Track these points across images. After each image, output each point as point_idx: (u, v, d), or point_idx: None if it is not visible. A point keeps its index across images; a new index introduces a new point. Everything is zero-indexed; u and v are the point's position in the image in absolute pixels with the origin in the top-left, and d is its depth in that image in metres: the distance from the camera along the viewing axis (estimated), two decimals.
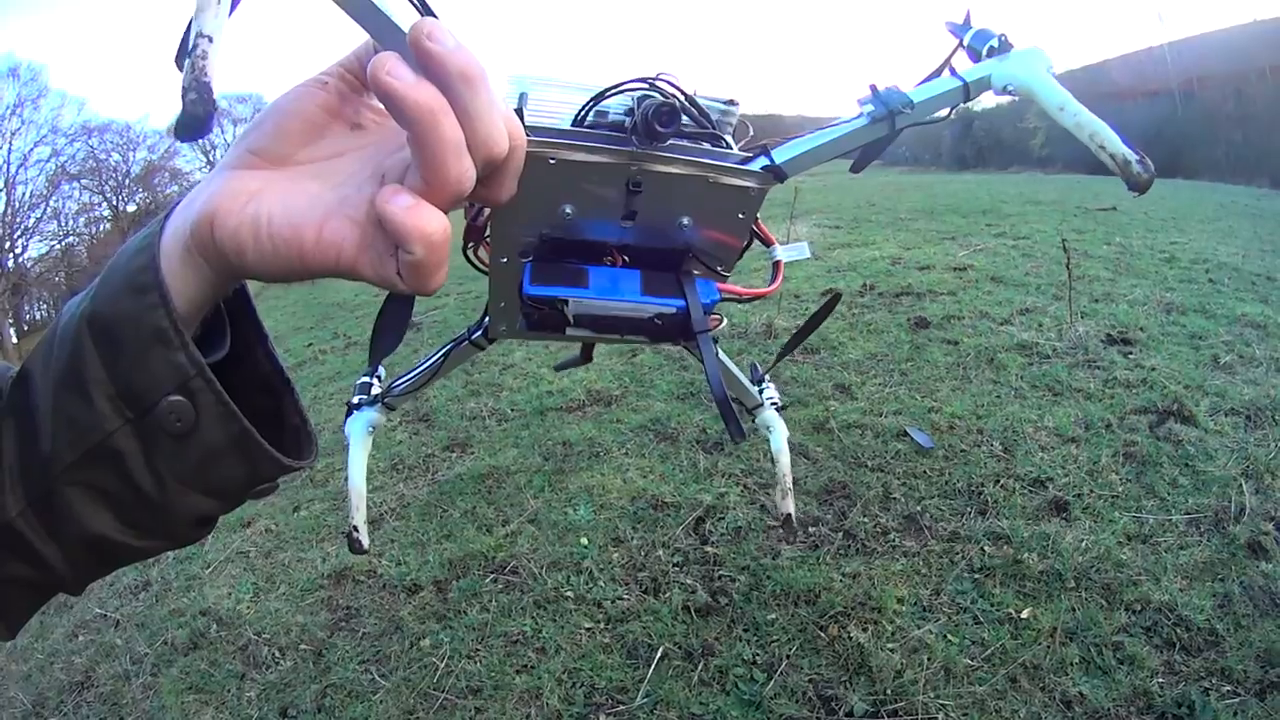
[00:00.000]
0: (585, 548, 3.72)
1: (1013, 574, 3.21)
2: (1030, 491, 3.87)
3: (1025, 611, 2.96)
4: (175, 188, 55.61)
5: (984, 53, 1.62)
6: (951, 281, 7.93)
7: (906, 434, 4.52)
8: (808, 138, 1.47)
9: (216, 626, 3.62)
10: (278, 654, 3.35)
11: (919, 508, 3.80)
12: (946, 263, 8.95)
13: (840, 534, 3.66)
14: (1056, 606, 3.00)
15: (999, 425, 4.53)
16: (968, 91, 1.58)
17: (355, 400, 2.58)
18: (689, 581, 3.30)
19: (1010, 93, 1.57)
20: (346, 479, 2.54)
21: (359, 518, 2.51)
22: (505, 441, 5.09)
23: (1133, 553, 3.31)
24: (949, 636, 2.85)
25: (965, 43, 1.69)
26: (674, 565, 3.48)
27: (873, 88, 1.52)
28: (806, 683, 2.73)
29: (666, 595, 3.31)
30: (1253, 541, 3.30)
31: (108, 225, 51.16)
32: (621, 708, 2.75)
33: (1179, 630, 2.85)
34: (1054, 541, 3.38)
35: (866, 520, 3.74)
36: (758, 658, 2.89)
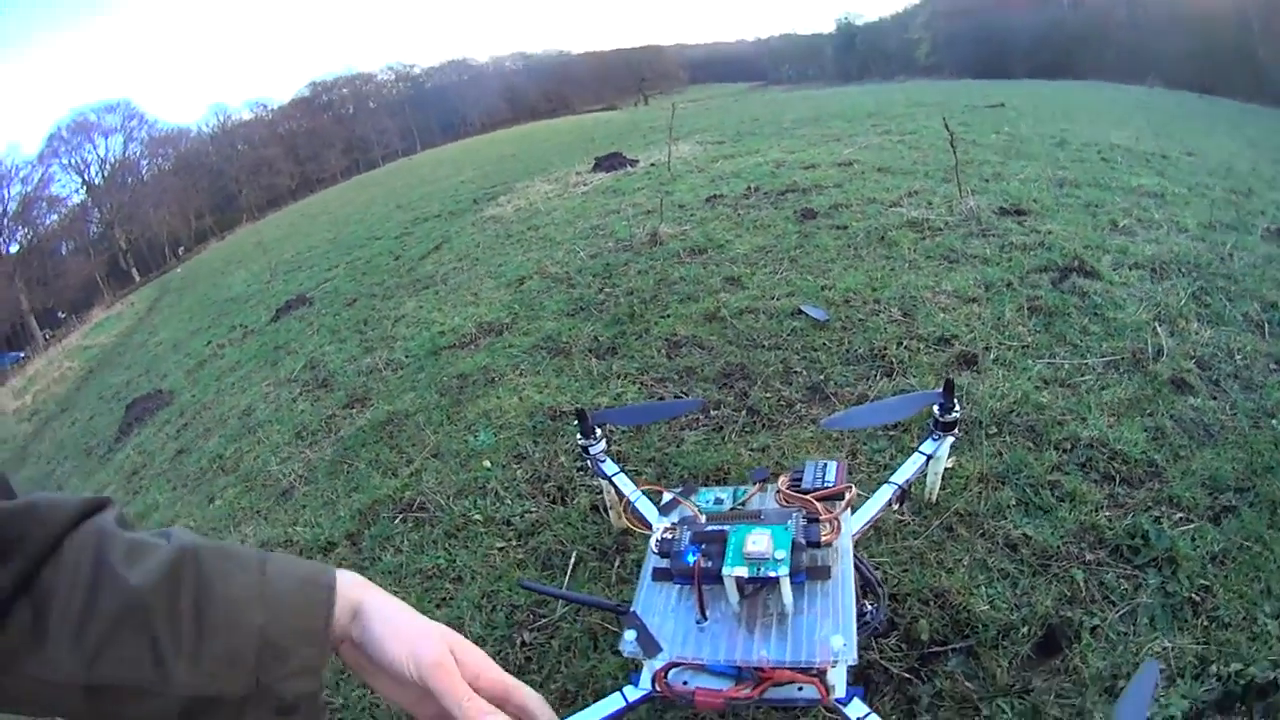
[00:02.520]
0: (489, 470, 3.53)
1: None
2: (936, 349, 3.81)
3: (949, 461, 2.83)
4: (55, 216, 53.77)
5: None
6: (837, 175, 8.00)
7: (800, 311, 4.44)
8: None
9: None
10: None
11: (822, 377, 3.71)
12: (831, 160, 9.05)
13: (744, 412, 3.54)
14: (981, 452, 2.89)
15: (896, 294, 4.49)
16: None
17: None
18: (595, 483, 3.11)
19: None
20: None
21: None
22: (402, 387, 4.89)
23: (1052, 395, 3.24)
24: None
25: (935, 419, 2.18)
26: (578, 470, 3.31)
27: None
28: None
29: (574, 500, 3.15)
30: (1176, 378, 3.29)
31: None
32: (543, 620, 2.56)
33: (1116, 464, 2.78)
34: (968, 392, 3.30)
35: (769, 395, 3.63)
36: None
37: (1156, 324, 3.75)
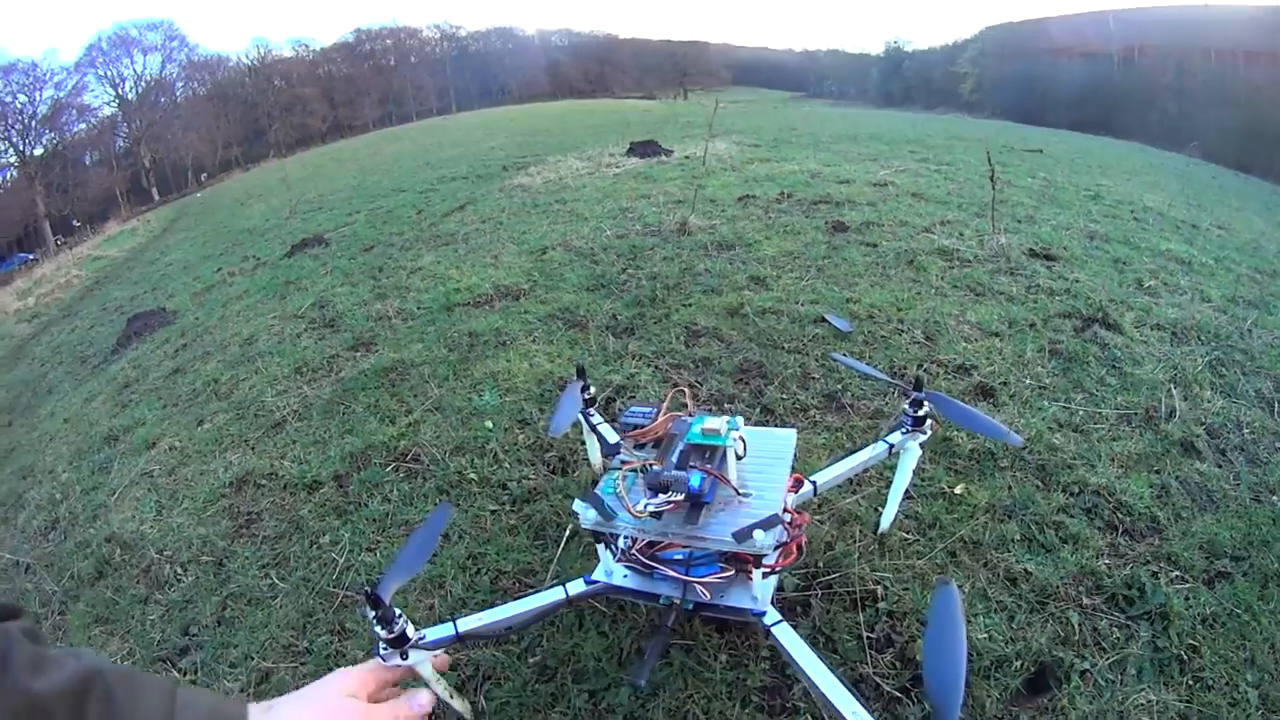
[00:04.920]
0: (490, 431, 3.50)
1: (942, 451, 3.09)
2: (955, 376, 3.79)
3: (959, 488, 2.82)
4: (83, 125, 53.61)
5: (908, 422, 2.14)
6: (871, 194, 7.96)
7: (824, 319, 4.41)
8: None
9: (120, 551, 3.37)
10: (180, 570, 3.11)
11: (839, 387, 3.67)
12: (867, 179, 9.00)
13: (757, 409, 3.52)
14: (991, 484, 2.87)
15: (920, 317, 4.46)
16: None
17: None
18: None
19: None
20: None
21: None
22: (411, 337, 4.86)
23: (1064, 439, 3.22)
24: (880, 509, 2.68)
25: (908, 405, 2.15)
26: (582, 443, 3.24)
27: None
28: None
29: (575, 473, 3.12)
30: (1186, 441, 3.27)
31: (14, 172, 49.40)
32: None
33: (1120, 514, 2.77)
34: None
35: (784, 397, 3.60)
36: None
37: (1172, 385, 3.73)
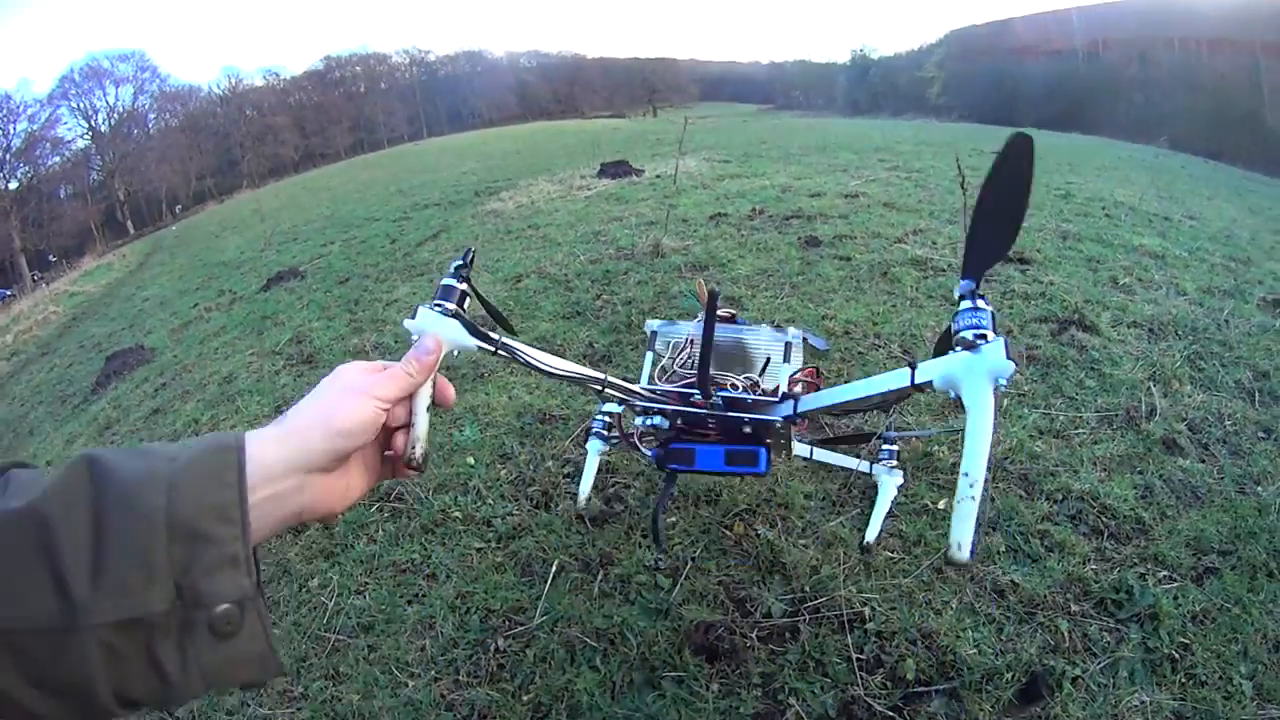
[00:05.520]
0: (472, 467, 3.48)
1: (923, 467, 3.10)
2: (933, 389, 3.76)
3: (941, 503, 2.84)
4: (57, 158, 53.35)
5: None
6: (843, 206, 7.97)
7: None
8: (831, 392, 1.72)
9: None
10: None
11: None
12: (838, 191, 9.02)
13: None
14: None
15: (896, 330, 4.48)
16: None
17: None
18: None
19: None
20: None
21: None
22: None
23: (1046, 446, 3.23)
24: (862, 529, 2.69)
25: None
26: (564, 477, 3.24)
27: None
28: (716, 585, 2.54)
29: (559, 507, 3.09)
30: (1167, 439, 3.30)
31: None
32: (519, 628, 2.51)
33: (1105, 518, 2.79)
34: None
35: None
36: (660, 562, 2.68)
37: (1151, 384, 3.77)
